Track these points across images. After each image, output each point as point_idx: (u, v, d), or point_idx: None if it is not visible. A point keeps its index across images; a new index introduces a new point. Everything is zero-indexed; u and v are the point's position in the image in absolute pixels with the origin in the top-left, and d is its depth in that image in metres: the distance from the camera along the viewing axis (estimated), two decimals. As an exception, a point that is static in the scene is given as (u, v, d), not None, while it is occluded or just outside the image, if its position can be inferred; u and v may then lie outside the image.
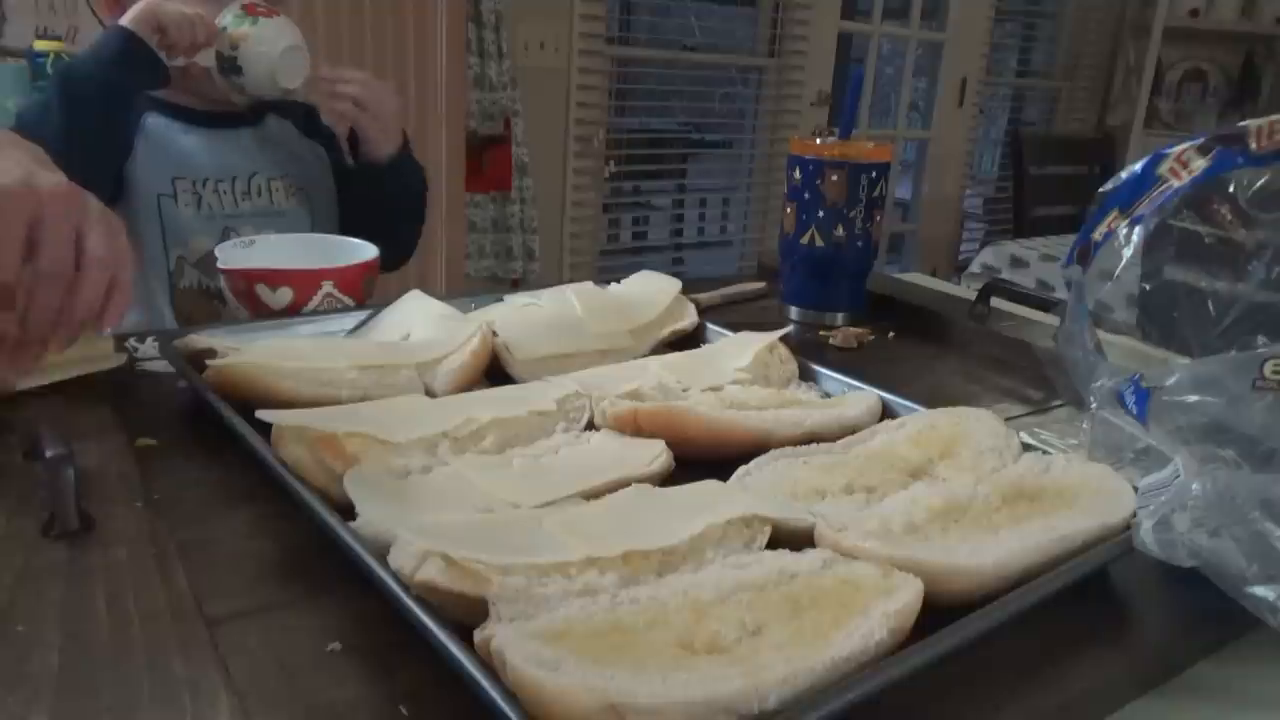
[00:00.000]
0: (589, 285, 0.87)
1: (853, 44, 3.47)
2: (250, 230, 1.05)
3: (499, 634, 0.35)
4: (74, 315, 0.57)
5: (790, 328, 0.85)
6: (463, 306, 0.81)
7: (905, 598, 0.41)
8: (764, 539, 0.48)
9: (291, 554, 0.49)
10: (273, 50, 0.99)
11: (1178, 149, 0.60)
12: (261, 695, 0.38)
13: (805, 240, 0.96)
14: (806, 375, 0.75)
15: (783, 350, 0.75)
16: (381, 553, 0.42)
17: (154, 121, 1.03)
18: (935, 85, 3.64)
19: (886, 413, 0.67)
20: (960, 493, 0.50)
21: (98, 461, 0.56)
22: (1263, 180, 0.58)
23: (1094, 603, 0.49)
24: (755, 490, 0.53)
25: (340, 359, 0.65)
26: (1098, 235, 0.62)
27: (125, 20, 0.93)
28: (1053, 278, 2.15)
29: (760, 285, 1.08)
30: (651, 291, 0.87)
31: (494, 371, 0.72)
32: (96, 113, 0.93)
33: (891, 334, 0.95)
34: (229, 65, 0.99)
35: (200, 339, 0.68)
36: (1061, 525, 0.48)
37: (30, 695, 0.37)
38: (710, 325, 0.86)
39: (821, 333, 0.94)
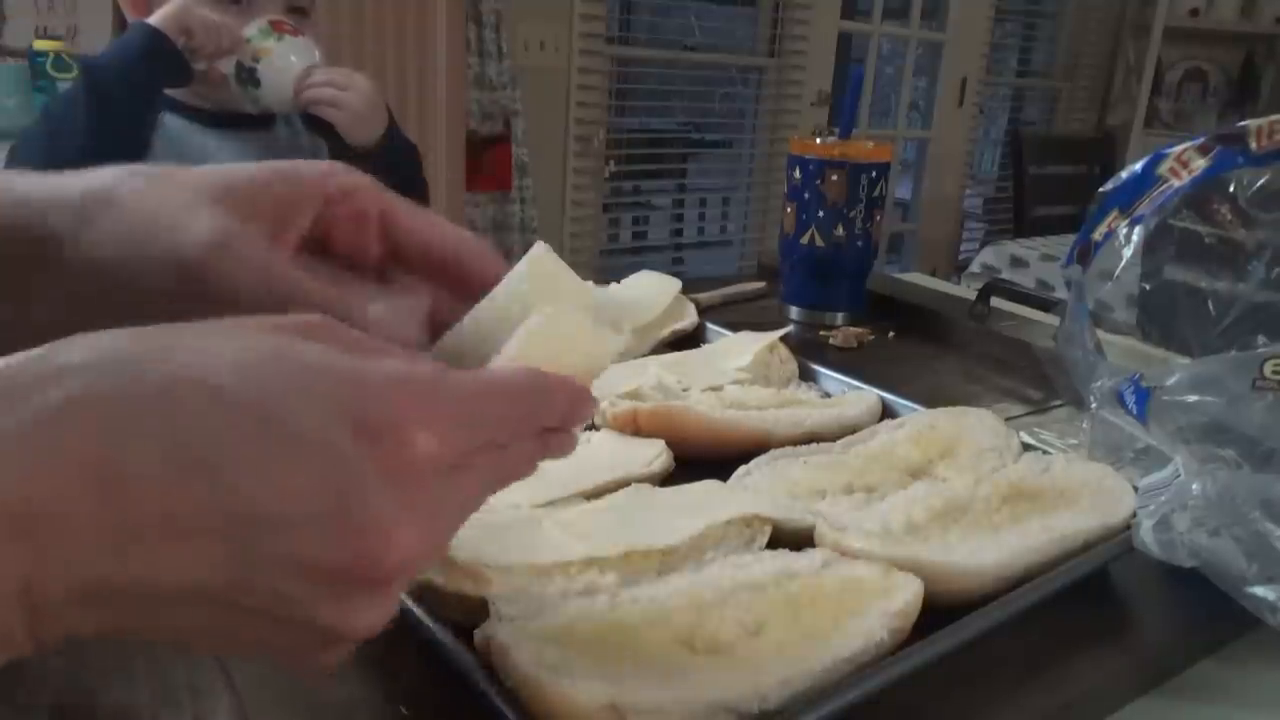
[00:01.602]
0: (589, 285, 0.86)
1: (853, 44, 3.47)
2: None
3: (499, 634, 0.35)
4: None
5: (790, 328, 0.85)
6: (463, 306, 0.81)
7: (905, 598, 0.41)
8: (764, 539, 0.48)
9: (291, 554, 0.49)
10: (292, 70, 1.02)
11: (1178, 149, 0.60)
12: (261, 695, 0.38)
13: (805, 240, 0.96)
14: (806, 375, 0.75)
15: (783, 350, 0.75)
16: (381, 553, 0.42)
17: (171, 121, 1.05)
18: (935, 85, 3.64)
19: (886, 413, 0.67)
20: (960, 493, 0.50)
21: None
22: (1263, 180, 0.58)
23: (1094, 603, 0.49)
24: (755, 490, 0.53)
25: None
26: (1098, 235, 0.62)
27: (153, 20, 0.95)
28: (1053, 278, 2.14)
29: (760, 285, 1.07)
30: (651, 292, 0.87)
31: (494, 371, 0.71)
32: (121, 107, 0.95)
33: (891, 334, 0.95)
34: (247, 76, 1.02)
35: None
36: (1061, 525, 0.48)
37: (30, 696, 0.37)
38: (710, 325, 0.86)
39: (821, 333, 0.94)
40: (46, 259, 0.33)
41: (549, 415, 0.30)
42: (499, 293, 0.34)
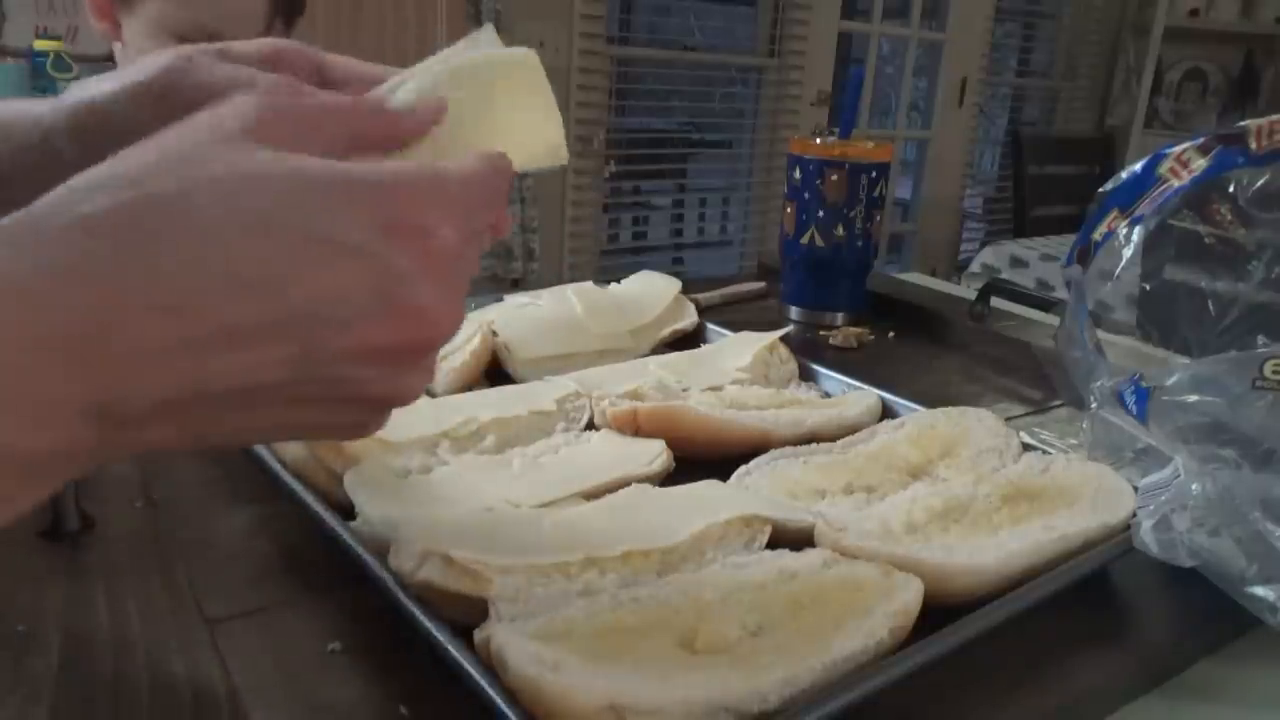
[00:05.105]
0: (589, 285, 0.87)
1: (853, 44, 3.47)
2: None
3: (499, 634, 0.35)
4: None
5: (790, 328, 0.85)
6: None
7: (905, 598, 0.41)
8: (764, 539, 0.48)
9: (291, 554, 0.49)
10: None
11: (1178, 149, 0.60)
12: (261, 695, 0.38)
13: (805, 240, 0.96)
14: (806, 375, 0.75)
15: (783, 350, 0.75)
16: (381, 552, 0.42)
17: None
18: (935, 85, 3.64)
19: (886, 413, 0.67)
20: (960, 493, 0.50)
21: (98, 461, 0.56)
22: (1263, 180, 0.58)
23: (1094, 603, 0.49)
24: (755, 490, 0.53)
25: (340, 359, 0.65)
26: (1098, 235, 0.62)
27: None
28: (1053, 278, 2.14)
29: (760, 285, 1.07)
30: (652, 291, 0.87)
31: (494, 371, 0.71)
32: None
33: (891, 334, 0.95)
34: None
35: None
36: (1061, 525, 0.48)
37: (30, 695, 0.37)
38: (710, 325, 0.86)
39: (821, 333, 0.94)
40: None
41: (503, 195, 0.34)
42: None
